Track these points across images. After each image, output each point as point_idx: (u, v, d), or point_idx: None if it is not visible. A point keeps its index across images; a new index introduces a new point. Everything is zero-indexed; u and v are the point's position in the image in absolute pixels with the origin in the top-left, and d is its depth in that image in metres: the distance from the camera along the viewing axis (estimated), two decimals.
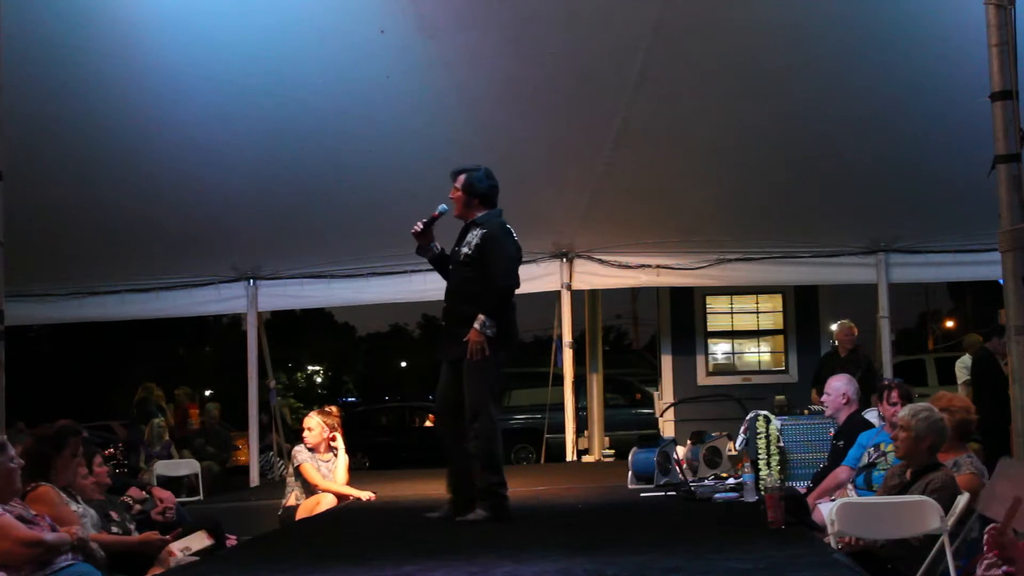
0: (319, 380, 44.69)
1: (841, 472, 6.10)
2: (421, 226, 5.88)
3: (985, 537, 3.82)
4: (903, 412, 5.13)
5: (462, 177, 5.87)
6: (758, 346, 12.40)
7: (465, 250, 5.78)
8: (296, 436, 10.26)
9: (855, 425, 6.45)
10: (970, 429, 5.52)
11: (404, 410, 22.63)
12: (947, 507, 4.68)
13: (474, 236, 5.78)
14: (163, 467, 10.53)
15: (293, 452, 7.50)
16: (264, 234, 9.84)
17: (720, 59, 7.67)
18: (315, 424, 7.39)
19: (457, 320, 5.74)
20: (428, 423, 19.30)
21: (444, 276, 5.99)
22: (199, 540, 5.66)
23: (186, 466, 10.77)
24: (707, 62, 7.70)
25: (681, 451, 7.73)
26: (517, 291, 5.84)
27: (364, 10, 7.09)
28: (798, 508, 5.06)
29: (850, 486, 5.92)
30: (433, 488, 6.98)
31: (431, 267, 6.14)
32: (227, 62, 7.39)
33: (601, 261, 10.73)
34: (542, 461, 12.54)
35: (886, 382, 6.94)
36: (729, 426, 8.38)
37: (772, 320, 12.32)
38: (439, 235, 6.05)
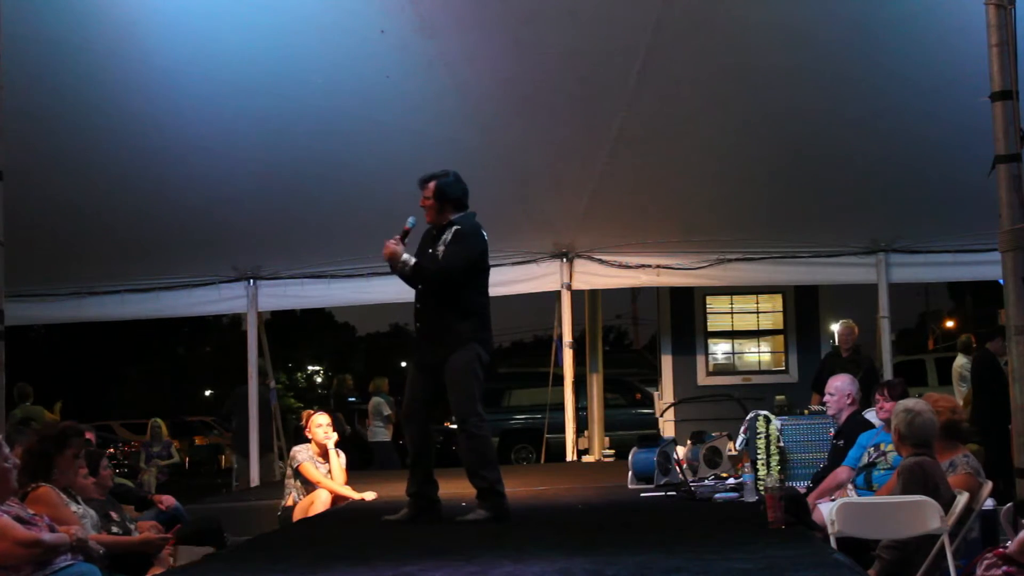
0: (319, 380, 44.69)
1: (841, 472, 6.10)
2: (395, 243, 5.73)
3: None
4: (895, 408, 5.18)
5: (432, 184, 5.72)
6: (758, 346, 12.40)
7: (441, 248, 5.68)
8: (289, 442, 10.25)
9: (855, 425, 6.45)
10: (959, 428, 5.50)
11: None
12: (915, 490, 4.71)
13: (448, 234, 5.69)
14: None
15: (292, 452, 7.49)
16: (264, 234, 9.83)
17: (720, 59, 7.66)
18: (325, 421, 7.43)
19: (435, 324, 5.66)
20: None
21: (414, 286, 5.84)
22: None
23: None
24: (707, 62, 7.70)
25: (681, 451, 7.72)
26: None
27: (364, 10, 7.09)
28: (798, 508, 5.06)
29: (850, 486, 5.92)
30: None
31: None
32: (227, 62, 7.38)
33: (601, 261, 10.71)
34: (542, 461, 12.53)
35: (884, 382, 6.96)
36: (729, 426, 8.37)
37: (772, 320, 12.32)
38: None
